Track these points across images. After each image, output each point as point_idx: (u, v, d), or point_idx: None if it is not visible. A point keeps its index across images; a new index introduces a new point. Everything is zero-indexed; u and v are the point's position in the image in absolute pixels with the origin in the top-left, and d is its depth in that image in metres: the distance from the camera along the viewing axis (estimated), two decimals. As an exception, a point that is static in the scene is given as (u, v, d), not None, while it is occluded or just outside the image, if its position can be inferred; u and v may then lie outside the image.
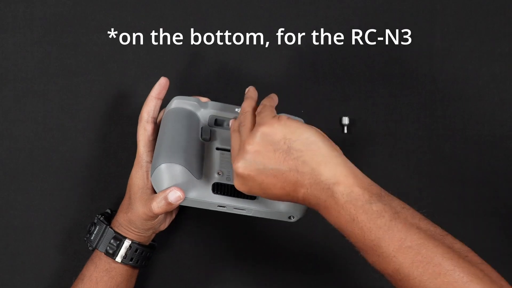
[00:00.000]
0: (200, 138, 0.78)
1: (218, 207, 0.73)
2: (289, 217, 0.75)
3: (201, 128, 0.79)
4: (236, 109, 0.81)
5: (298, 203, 0.68)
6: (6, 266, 0.88)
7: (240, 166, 0.66)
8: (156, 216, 0.76)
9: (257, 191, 0.68)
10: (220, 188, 0.74)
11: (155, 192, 0.75)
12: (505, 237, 0.90)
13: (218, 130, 0.80)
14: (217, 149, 0.78)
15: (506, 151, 0.92)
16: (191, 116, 0.79)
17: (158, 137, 0.77)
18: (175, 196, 0.71)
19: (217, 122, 0.81)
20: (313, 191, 0.65)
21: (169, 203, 0.72)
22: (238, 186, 0.69)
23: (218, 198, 0.73)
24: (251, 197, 0.74)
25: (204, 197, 0.73)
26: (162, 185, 0.72)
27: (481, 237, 0.90)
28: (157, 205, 0.73)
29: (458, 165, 0.91)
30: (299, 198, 0.67)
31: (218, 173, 0.75)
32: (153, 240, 0.84)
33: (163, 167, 0.71)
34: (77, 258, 0.87)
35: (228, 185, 0.74)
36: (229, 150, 0.78)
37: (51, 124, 0.91)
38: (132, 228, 0.79)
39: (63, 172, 0.90)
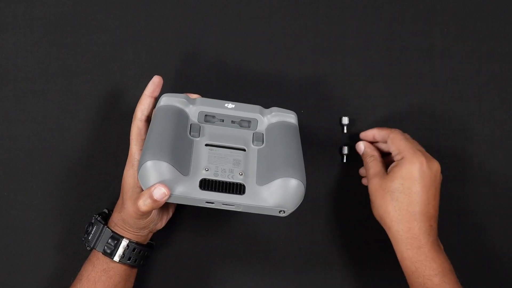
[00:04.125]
0: (189, 134, 0.78)
1: (206, 204, 0.72)
2: (280, 212, 0.74)
3: (190, 125, 0.79)
4: (226, 105, 0.81)
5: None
6: (6, 266, 0.88)
7: None
8: (144, 214, 0.76)
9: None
10: (207, 184, 0.73)
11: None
12: (505, 237, 0.90)
13: (208, 126, 0.79)
14: (206, 145, 0.77)
15: (506, 151, 0.92)
16: (179, 113, 0.79)
17: (146, 135, 0.77)
18: (160, 193, 0.71)
19: (207, 119, 0.80)
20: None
21: (155, 200, 0.71)
22: None
23: (205, 194, 0.72)
24: (239, 192, 0.73)
25: (191, 193, 0.72)
26: (148, 182, 0.71)
27: (481, 237, 0.90)
28: (143, 202, 0.73)
29: (458, 165, 0.91)
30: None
31: (206, 169, 0.74)
32: (151, 239, 0.84)
33: (149, 164, 0.71)
34: (76, 258, 0.87)
35: (215, 180, 0.73)
36: (218, 146, 0.77)
37: (51, 124, 0.91)
38: (127, 227, 0.79)
39: (63, 172, 0.90)
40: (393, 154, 0.81)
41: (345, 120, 0.91)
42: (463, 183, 0.91)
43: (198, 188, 0.72)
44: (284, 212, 0.73)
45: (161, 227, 0.83)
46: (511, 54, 0.93)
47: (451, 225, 0.90)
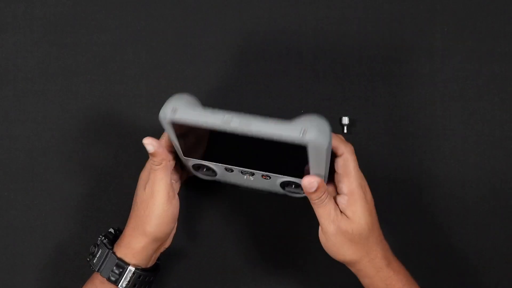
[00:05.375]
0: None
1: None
2: (301, 132, 0.62)
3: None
4: None
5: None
6: (6, 266, 0.88)
7: None
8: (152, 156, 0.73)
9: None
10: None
11: None
12: (505, 237, 0.90)
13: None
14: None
15: (506, 151, 0.92)
16: None
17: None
18: (148, 140, 0.72)
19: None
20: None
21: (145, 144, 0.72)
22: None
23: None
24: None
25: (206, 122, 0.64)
26: (165, 108, 0.67)
27: (481, 237, 0.90)
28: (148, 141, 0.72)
29: (457, 165, 0.91)
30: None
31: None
32: (158, 259, 0.81)
33: (173, 96, 0.68)
34: (77, 259, 0.87)
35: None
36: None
37: (51, 124, 0.91)
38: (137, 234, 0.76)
39: (63, 172, 0.90)
40: (339, 189, 0.74)
41: (345, 120, 0.91)
42: (463, 183, 0.91)
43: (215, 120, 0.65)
44: (305, 132, 0.61)
45: (168, 246, 0.81)
46: (511, 54, 0.93)
47: (452, 225, 0.90)
